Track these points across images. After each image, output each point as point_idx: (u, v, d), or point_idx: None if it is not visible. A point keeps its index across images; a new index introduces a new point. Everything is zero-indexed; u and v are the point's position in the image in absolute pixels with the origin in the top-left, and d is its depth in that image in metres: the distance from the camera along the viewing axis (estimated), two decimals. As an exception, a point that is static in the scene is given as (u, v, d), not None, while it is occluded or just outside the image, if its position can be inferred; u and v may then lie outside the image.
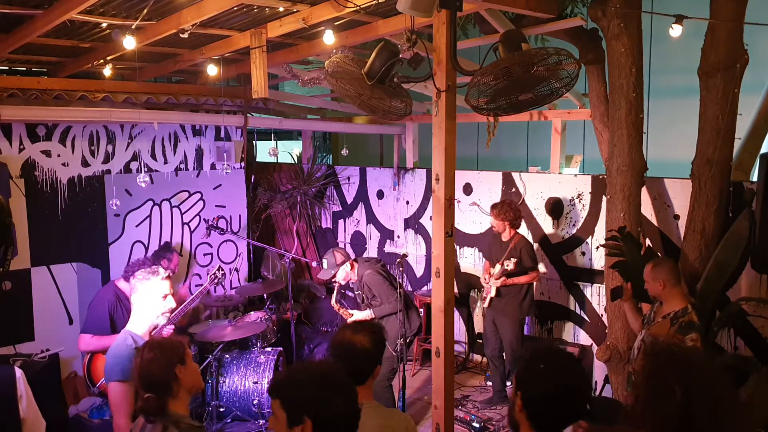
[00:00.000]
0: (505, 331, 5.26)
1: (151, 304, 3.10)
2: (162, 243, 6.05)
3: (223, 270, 4.98)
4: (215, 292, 6.20)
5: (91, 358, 4.46)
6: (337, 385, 1.83)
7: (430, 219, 4.53)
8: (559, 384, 1.82)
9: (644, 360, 1.85)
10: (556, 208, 5.68)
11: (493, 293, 5.21)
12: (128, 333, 3.04)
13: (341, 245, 7.45)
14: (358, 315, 4.80)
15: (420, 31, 4.10)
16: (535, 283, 5.31)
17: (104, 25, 4.25)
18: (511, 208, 5.21)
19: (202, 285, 4.80)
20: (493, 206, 5.28)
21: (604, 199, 4.83)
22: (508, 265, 4.99)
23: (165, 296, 3.14)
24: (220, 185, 6.54)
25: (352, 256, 4.96)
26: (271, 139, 6.88)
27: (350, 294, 6.84)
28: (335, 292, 4.96)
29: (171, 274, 3.37)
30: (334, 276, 4.78)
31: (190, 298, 4.67)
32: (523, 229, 5.73)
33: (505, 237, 5.27)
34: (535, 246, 5.70)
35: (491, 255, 5.39)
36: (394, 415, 2.56)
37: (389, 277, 4.80)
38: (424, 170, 6.76)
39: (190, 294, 5.06)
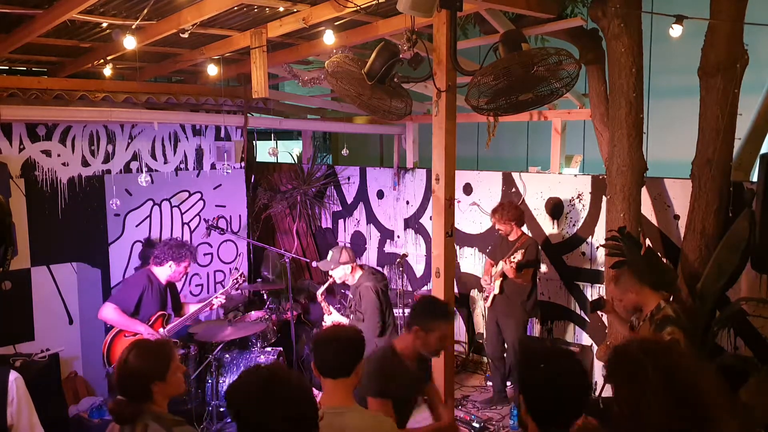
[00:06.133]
0: (509, 332, 5.23)
1: None
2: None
3: (244, 275, 5.26)
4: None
5: (113, 338, 4.62)
6: None
7: (430, 219, 4.53)
8: (559, 382, 1.80)
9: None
10: (556, 208, 5.67)
11: (496, 290, 5.18)
12: None
13: (341, 245, 7.45)
14: (336, 316, 4.82)
15: (420, 31, 4.10)
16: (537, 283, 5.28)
17: (104, 25, 4.26)
18: (509, 208, 5.18)
19: (201, 285, 4.84)
20: (493, 212, 5.22)
21: (604, 199, 4.83)
22: (515, 257, 4.92)
23: None
24: (220, 185, 6.54)
25: (359, 263, 4.90)
26: (271, 139, 6.88)
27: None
28: (326, 285, 4.95)
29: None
30: (332, 269, 4.70)
31: (210, 298, 4.90)
32: (524, 230, 5.72)
33: (512, 237, 5.23)
34: (535, 246, 5.69)
35: (496, 254, 5.36)
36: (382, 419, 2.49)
37: (384, 303, 4.56)
38: (424, 170, 6.75)
39: (191, 297, 5.10)
